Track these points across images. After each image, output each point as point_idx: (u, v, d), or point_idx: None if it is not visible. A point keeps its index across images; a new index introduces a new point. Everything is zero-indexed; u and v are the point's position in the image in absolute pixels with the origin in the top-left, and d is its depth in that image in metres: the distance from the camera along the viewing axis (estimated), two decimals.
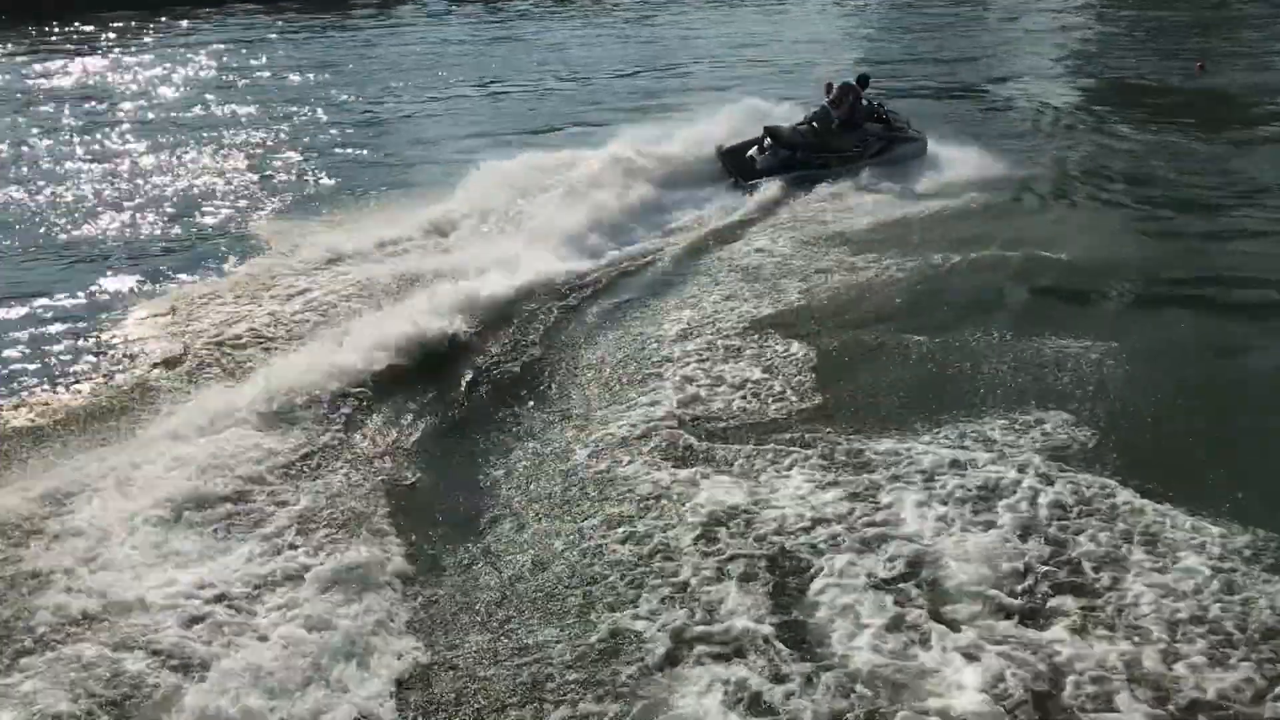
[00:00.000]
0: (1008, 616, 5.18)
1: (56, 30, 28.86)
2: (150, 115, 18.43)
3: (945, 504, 6.07)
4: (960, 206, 12.26)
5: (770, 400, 7.45)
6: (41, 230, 11.95)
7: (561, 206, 11.43)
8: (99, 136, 16.60)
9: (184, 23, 30.16)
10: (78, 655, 4.87)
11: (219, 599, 5.33)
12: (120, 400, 7.53)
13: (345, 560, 5.60)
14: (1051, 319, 8.73)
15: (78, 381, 7.92)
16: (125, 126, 17.37)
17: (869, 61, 22.55)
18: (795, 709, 4.62)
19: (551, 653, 5.00)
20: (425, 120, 18.36)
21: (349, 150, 15.90)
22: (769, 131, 13.40)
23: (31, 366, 8.22)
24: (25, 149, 15.85)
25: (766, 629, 5.09)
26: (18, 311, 9.35)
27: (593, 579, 5.53)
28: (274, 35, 28.25)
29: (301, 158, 15.30)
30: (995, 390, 7.53)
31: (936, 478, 6.34)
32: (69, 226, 12.03)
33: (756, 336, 8.52)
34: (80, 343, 8.66)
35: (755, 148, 13.42)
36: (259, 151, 15.69)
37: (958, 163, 13.60)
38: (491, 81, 21.91)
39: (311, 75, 22.38)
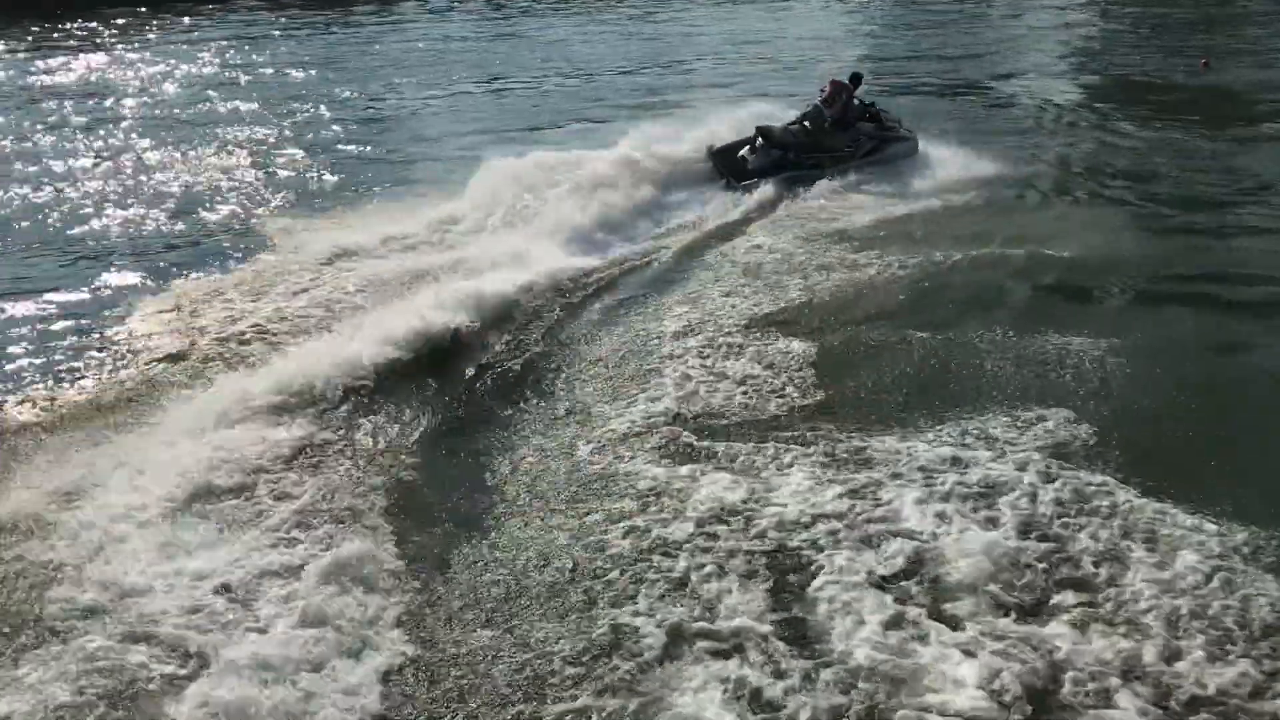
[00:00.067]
0: (1007, 613, 5.21)
1: (58, 27, 28.85)
2: (153, 112, 18.42)
3: (946, 501, 6.09)
4: (962, 203, 12.27)
5: (771, 397, 7.47)
6: (45, 227, 11.97)
7: (570, 203, 11.50)
8: (102, 133, 16.59)
9: (186, 19, 30.13)
10: (83, 647, 4.91)
11: (223, 589, 5.37)
12: (125, 396, 7.56)
13: (345, 553, 5.62)
14: (1053, 316, 8.74)
15: (82, 378, 7.96)
16: (128, 123, 17.36)
17: (872, 58, 22.54)
18: (794, 705, 4.65)
19: (551, 648, 5.02)
20: (428, 117, 18.32)
21: (352, 147, 15.89)
22: (760, 131, 13.24)
23: (36, 362, 8.26)
24: (28, 145, 15.84)
25: (766, 626, 5.11)
26: (22, 308, 9.38)
27: (593, 574, 5.55)
28: (276, 32, 28.23)
29: (304, 154, 15.28)
30: (996, 387, 7.55)
31: (937, 475, 6.36)
32: (73, 223, 12.04)
33: (757, 333, 8.54)
34: (85, 339, 8.69)
35: (747, 148, 13.25)
36: (262, 148, 15.68)
37: (949, 162, 13.49)
38: (494, 78, 21.87)
39: (314, 72, 22.35)
